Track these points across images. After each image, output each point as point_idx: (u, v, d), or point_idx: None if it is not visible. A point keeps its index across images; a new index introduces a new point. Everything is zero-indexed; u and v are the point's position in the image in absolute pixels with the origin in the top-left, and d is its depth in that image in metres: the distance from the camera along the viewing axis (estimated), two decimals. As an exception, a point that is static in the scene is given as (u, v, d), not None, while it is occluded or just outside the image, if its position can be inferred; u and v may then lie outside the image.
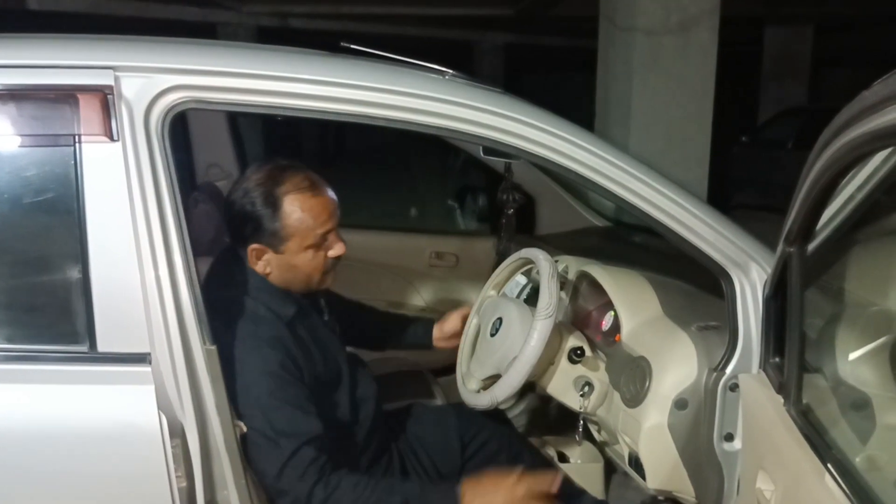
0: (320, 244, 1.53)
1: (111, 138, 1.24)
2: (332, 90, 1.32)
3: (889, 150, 1.19)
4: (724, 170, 6.74)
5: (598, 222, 2.85)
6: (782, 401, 1.27)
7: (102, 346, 1.25)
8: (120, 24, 9.07)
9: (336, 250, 1.57)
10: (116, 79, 1.25)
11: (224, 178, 2.47)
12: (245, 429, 1.37)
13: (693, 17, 4.88)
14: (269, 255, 1.53)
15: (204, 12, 10.02)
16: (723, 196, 6.99)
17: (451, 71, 1.45)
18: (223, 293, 1.52)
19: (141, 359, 1.25)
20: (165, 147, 1.27)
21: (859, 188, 1.25)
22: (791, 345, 1.25)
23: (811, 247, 1.28)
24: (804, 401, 1.25)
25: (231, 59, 1.35)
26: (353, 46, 1.51)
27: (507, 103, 1.42)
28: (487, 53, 13.46)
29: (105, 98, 1.24)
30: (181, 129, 2.38)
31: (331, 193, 1.55)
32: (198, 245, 2.17)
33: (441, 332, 1.96)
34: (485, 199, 2.90)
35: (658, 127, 4.92)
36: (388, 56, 1.50)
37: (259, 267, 1.54)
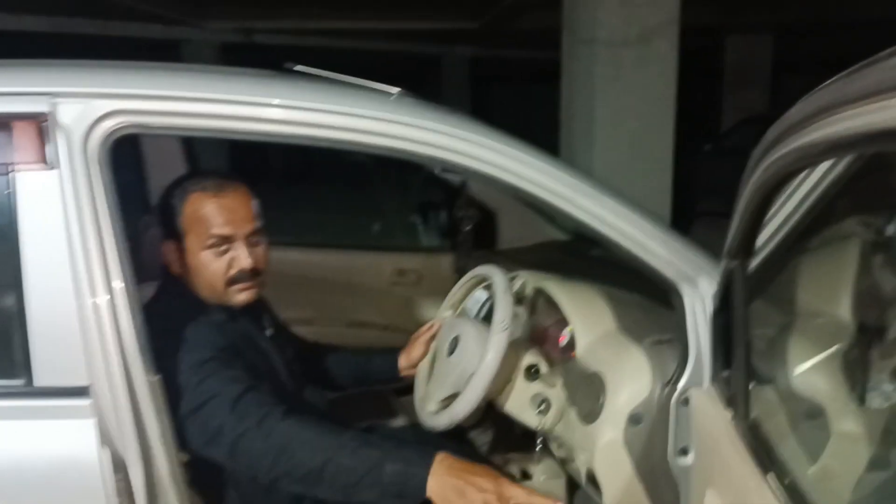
0: (220, 248, 1.52)
1: (48, 166, 1.21)
2: (275, 112, 1.31)
3: (830, 161, 1.22)
4: (687, 178, 6.82)
5: (560, 235, 2.86)
6: (731, 415, 1.27)
7: (40, 379, 1.22)
8: (82, 43, 8.96)
9: (241, 261, 1.53)
10: (53, 105, 1.23)
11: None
12: (187, 458, 1.35)
13: (652, 28, 4.95)
14: (175, 254, 1.55)
15: (167, 30, 9.95)
16: (687, 203, 7.06)
17: (397, 90, 1.45)
18: (155, 305, 1.54)
19: (81, 392, 1.22)
20: (105, 173, 1.25)
21: (802, 200, 1.27)
22: (738, 359, 1.26)
23: (757, 260, 1.30)
24: (752, 414, 1.25)
25: (172, 82, 1.33)
26: (297, 68, 1.49)
27: (455, 123, 1.41)
28: (454, 66, 13.52)
29: (40, 125, 1.21)
30: (134, 151, 2.34)
31: (241, 201, 1.54)
32: (149, 270, 2.14)
33: (408, 360, 1.94)
34: (447, 215, 2.89)
35: (621, 137, 4.98)
36: (334, 76, 1.49)
37: (175, 268, 1.56)
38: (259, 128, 1.32)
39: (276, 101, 1.32)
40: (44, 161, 1.21)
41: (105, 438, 1.22)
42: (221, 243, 1.52)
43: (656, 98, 5.04)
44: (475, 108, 13.59)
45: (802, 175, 1.24)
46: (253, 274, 1.55)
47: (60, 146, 1.21)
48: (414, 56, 12.41)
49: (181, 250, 1.54)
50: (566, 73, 5.29)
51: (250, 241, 1.55)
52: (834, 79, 0.84)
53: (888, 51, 0.73)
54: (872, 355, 1.32)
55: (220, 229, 1.52)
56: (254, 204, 1.58)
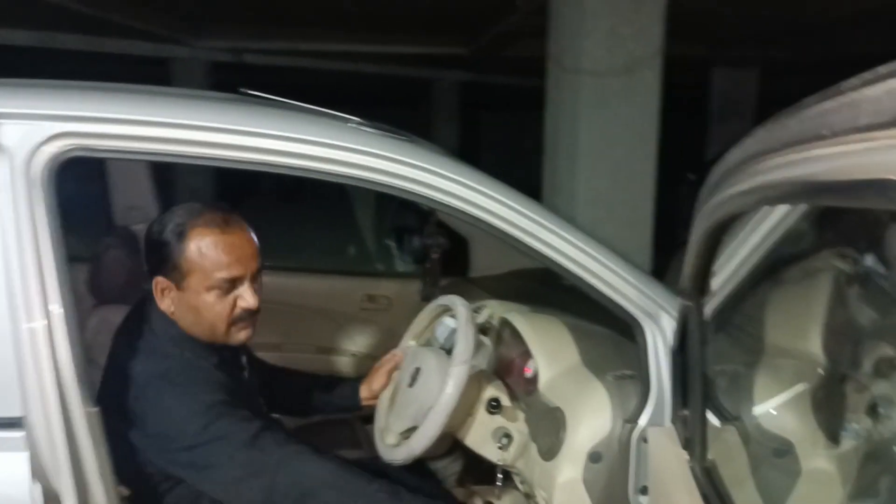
0: (224, 289, 1.43)
1: (-14, 189, 1.17)
2: (226, 137, 1.28)
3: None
4: (671, 207, 6.83)
5: (531, 263, 2.82)
6: (687, 457, 1.24)
7: (-30, 409, 1.17)
8: (71, 58, 8.94)
9: (246, 301, 1.45)
10: (-5, 126, 1.19)
11: (143, 220, 2.39)
12: (127, 493, 1.30)
13: (638, 59, 4.95)
14: (173, 293, 1.44)
15: (157, 47, 9.93)
16: (670, 232, 7.07)
17: (355, 118, 1.42)
18: (131, 339, 1.45)
19: (13, 423, 1.17)
20: (49, 198, 1.21)
21: (767, 236, 1.25)
22: (694, 399, 1.23)
23: (719, 298, 1.27)
24: (709, 457, 1.22)
25: (121, 104, 1.30)
26: (251, 93, 1.47)
27: (412, 151, 1.39)
28: (444, 91, 13.57)
29: (-20, 146, 1.17)
30: (97, 170, 2.31)
31: (247, 238, 1.46)
32: (106, 292, 2.11)
33: (370, 390, 1.89)
34: (418, 241, 2.86)
35: (604, 166, 4.96)
36: (290, 102, 1.46)
37: (164, 305, 1.45)
38: (211, 153, 1.29)
39: (230, 126, 1.29)
40: (-18, 183, 1.17)
41: (38, 473, 1.17)
42: (227, 285, 1.43)
43: (640, 128, 5.03)
44: (464, 133, 13.61)
45: (764, 210, 1.22)
46: (255, 312, 1.49)
47: (2, 169, 1.18)
48: (404, 80, 12.45)
49: (177, 288, 1.44)
50: (551, 102, 5.29)
51: (254, 279, 1.47)
52: (762, 124, 0.82)
53: (813, 97, 0.71)
54: (845, 391, 1.30)
55: (227, 271, 1.42)
56: (255, 238, 1.49)
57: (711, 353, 1.30)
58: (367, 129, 1.41)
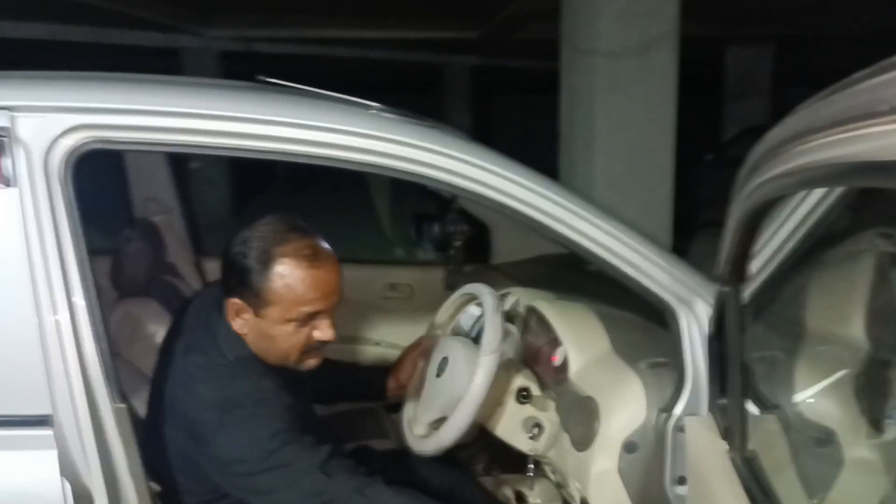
0: (305, 321, 1.37)
1: (5, 184, 1.15)
2: (246, 126, 1.25)
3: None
4: (689, 188, 6.75)
5: (557, 248, 2.78)
6: (727, 447, 1.20)
7: (-2, 408, 1.15)
8: (81, 51, 8.93)
9: (324, 334, 1.40)
10: (12, 119, 1.16)
11: (162, 212, 2.37)
12: (158, 489, 1.28)
13: (652, 38, 4.89)
14: (248, 316, 1.38)
15: (167, 38, 9.92)
16: (689, 214, 6.99)
17: (376, 104, 1.38)
18: (194, 354, 1.41)
19: (42, 421, 1.15)
20: (68, 191, 1.18)
21: (806, 217, 1.20)
22: (733, 388, 1.19)
23: (756, 283, 1.23)
24: (751, 447, 1.19)
25: (139, 94, 1.27)
26: (270, 80, 1.43)
27: (436, 137, 1.35)
28: (455, 76, 13.49)
29: (-1, 141, 1.15)
30: (116, 162, 2.29)
31: (334, 270, 1.38)
32: (129, 285, 2.09)
33: (396, 380, 1.86)
34: (440, 228, 2.82)
35: (621, 147, 4.92)
36: (309, 89, 1.42)
37: (236, 325, 1.40)
38: (232, 143, 1.26)
39: (250, 116, 1.26)
40: (2, 178, 1.14)
41: (67, 470, 1.15)
42: (308, 319, 1.38)
43: (657, 108, 4.99)
44: (476, 117, 13.54)
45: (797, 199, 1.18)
46: (328, 343, 1.44)
47: (19, 163, 1.15)
48: (415, 65, 12.38)
49: (254, 314, 1.38)
50: (566, 84, 5.24)
51: (333, 310, 1.42)
52: (807, 102, 0.77)
53: (859, 73, 0.67)
54: (888, 377, 1.25)
55: (311, 306, 1.36)
56: (340, 269, 1.42)
57: (749, 339, 1.26)
58: (389, 116, 1.38)
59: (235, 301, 1.38)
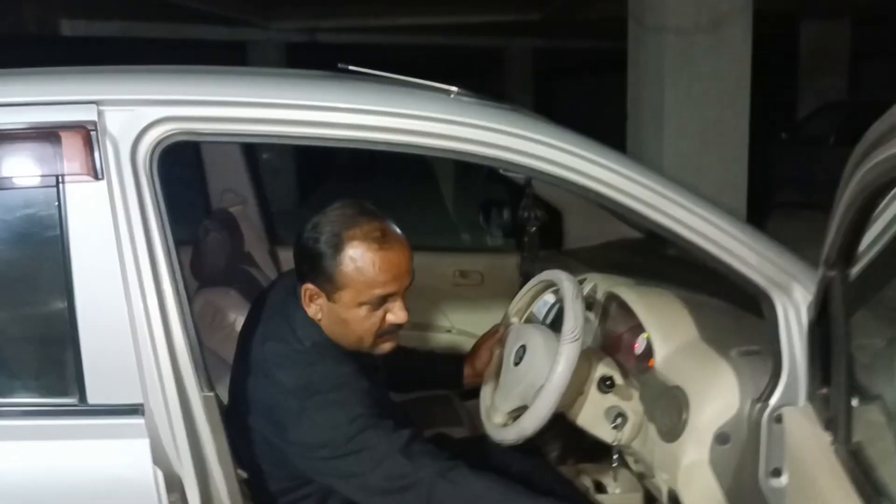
0: (377, 304, 1.38)
1: (96, 177, 1.17)
2: (329, 115, 1.24)
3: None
4: (763, 168, 6.53)
5: (631, 233, 2.71)
6: (830, 439, 1.14)
7: (93, 397, 1.18)
8: (150, 46, 9.18)
9: (396, 316, 1.40)
10: (100, 113, 1.18)
11: (239, 202, 2.41)
12: (245, 475, 1.29)
13: (725, 14, 4.74)
14: (322, 301, 1.39)
15: (233, 31, 10.11)
16: (764, 195, 6.77)
17: (456, 89, 1.36)
18: (273, 341, 1.43)
19: (134, 410, 1.18)
20: (154, 183, 1.20)
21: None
22: (837, 377, 1.12)
23: (857, 268, 1.16)
24: (855, 439, 1.12)
25: (220, 86, 1.28)
26: (351, 68, 1.42)
27: (518, 121, 1.31)
28: (516, 59, 13.35)
29: (88, 135, 1.17)
30: (193, 154, 2.33)
31: (404, 252, 1.39)
32: (209, 275, 2.12)
33: (473, 368, 1.84)
34: (509, 214, 2.78)
35: (693, 127, 4.79)
36: (389, 76, 1.41)
37: (311, 311, 1.41)
38: (315, 132, 1.25)
39: (332, 104, 1.25)
40: (92, 171, 1.16)
41: (159, 458, 1.17)
42: (380, 300, 1.38)
43: (729, 86, 4.82)
44: (538, 100, 13.39)
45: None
46: (402, 326, 1.44)
47: (109, 155, 1.17)
48: (475, 50, 12.30)
49: (327, 298, 1.39)
50: (633, 63, 5.11)
51: (405, 293, 1.42)
52: None
53: None
54: None
55: (383, 289, 1.36)
56: (411, 251, 1.42)
57: (854, 326, 1.19)
58: (469, 100, 1.35)
59: (309, 287, 1.39)
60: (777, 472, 1.37)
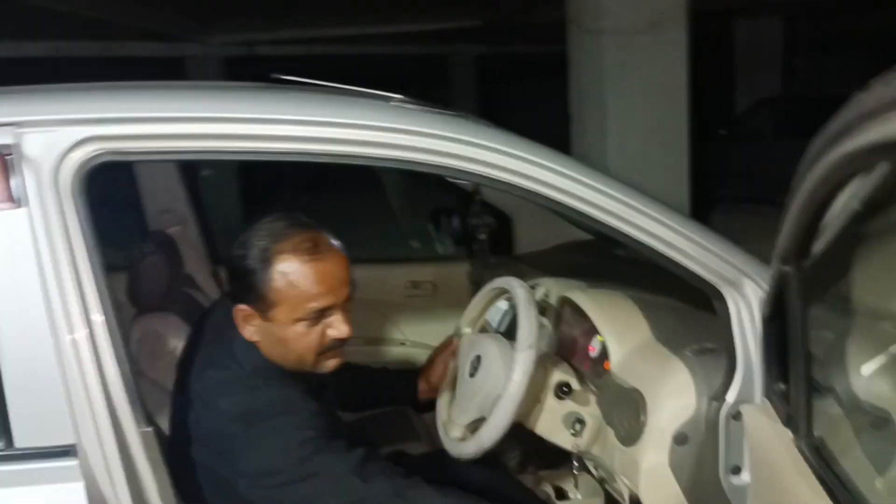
0: (315, 319, 1.31)
1: (15, 204, 1.09)
2: (266, 128, 1.18)
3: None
4: (705, 164, 6.65)
5: (582, 235, 2.71)
6: (791, 435, 1.13)
7: (20, 441, 1.10)
8: (84, 66, 8.92)
9: (338, 331, 1.33)
10: (17, 136, 1.11)
11: (177, 223, 2.32)
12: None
13: (661, 15, 4.81)
14: (257, 321, 1.33)
15: (170, 47, 9.90)
16: (706, 190, 6.90)
17: (397, 96, 1.32)
18: (211, 369, 1.36)
19: (66, 452, 1.10)
20: (80, 208, 1.13)
21: (862, 187, 1.13)
22: (796, 372, 1.12)
23: (812, 262, 1.16)
24: (816, 434, 1.11)
25: (149, 102, 1.22)
26: (285, 77, 1.37)
27: (462, 127, 1.28)
28: (459, 66, 13.41)
29: (4, 159, 1.09)
30: (126, 174, 2.24)
31: (339, 263, 1.33)
32: (147, 300, 2.04)
33: (428, 383, 1.81)
34: (459, 222, 2.76)
35: (634, 127, 4.85)
36: (327, 85, 1.36)
37: (247, 333, 1.34)
38: (251, 146, 1.20)
39: (266, 116, 1.20)
40: (10, 198, 1.09)
41: (95, 502, 1.10)
42: (317, 315, 1.32)
43: (668, 86, 4.91)
44: (483, 107, 13.45)
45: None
46: (345, 341, 1.38)
47: (28, 181, 1.09)
48: (419, 58, 12.30)
49: (262, 318, 1.32)
50: (574, 66, 5.16)
51: (346, 306, 1.35)
52: None
53: None
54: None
55: (319, 302, 1.30)
56: (348, 261, 1.36)
57: (807, 320, 1.19)
58: (411, 107, 1.31)
59: (243, 308, 1.33)
60: (737, 470, 1.37)
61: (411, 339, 2.59)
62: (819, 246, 1.07)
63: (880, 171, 0.97)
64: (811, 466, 1.06)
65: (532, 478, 2.04)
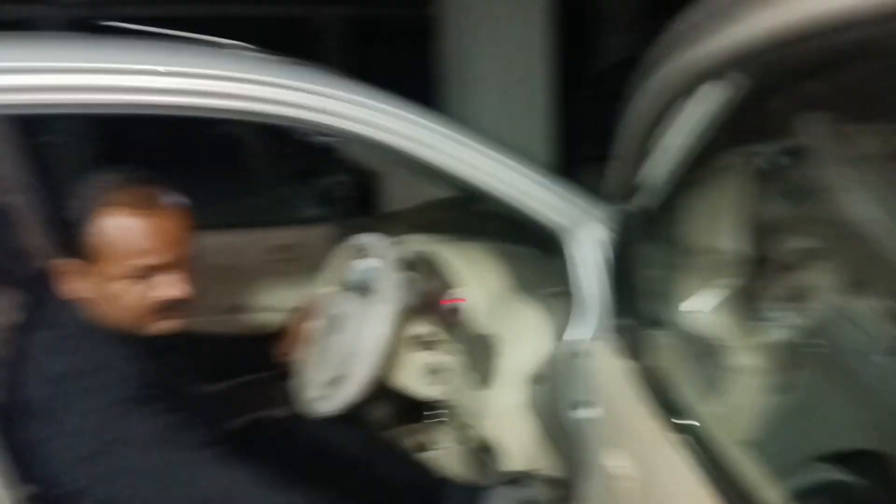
0: (142, 276, 1.25)
1: None
2: (81, 78, 1.09)
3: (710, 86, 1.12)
4: (567, 123, 6.85)
5: (442, 194, 2.72)
6: (632, 365, 1.19)
7: None
8: None
9: (167, 291, 1.27)
10: None
11: (9, 191, 2.13)
12: (36, 490, 1.15)
13: (523, -27, 4.85)
14: (84, 278, 1.25)
15: (11, 9, 9.07)
16: (567, 151, 7.12)
17: (232, 42, 1.25)
18: (33, 334, 1.27)
19: None
20: None
21: (682, 133, 1.18)
22: (633, 306, 1.17)
23: (643, 200, 1.21)
24: (654, 363, 1.18)
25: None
26: (114, 24, 1.27)
27: (304, 75, 1.24)
28: (326, 30, 13.11)
29: None
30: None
31: (172, 219, 1.27)
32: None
33: (287, 346, 1.78)
34: (320, 183, 2.70)
35: (496, 87, 4.90)
36: (155, 31, 1.28)
37: (74, 289, 1.26)
38: (64, 98, 1.10)
39: (83, 66, 1.11)
40: None
41: None
42: (147, 273, 1.25)
43: (528, 46, 4.98)
44: (352, 71, 13.24)
45: (682, 108, 1.15)
46: (181, 302, 1.30)
47: None
48: (278, 21, 11.90)
49: (87, 273, 1.25)
50: (439, 26, 5.15)
51: (181, 265, 1.29)
52: None
53: None
54: (763, 285, 1.28)
55: (145, 259, 1.24)
56: (187, 219, 1.30)
57: (644, 257, 1.24)
58: (247, 54, 1.25)
59: (64, 262, 1.26)
60: (588, 405, 1.43)
61: (272, 305, 2.53)
62: (654, 183, 1.11)
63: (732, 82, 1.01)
64: (654, 394, 1.12)
65: (396, 434, 2.05)
